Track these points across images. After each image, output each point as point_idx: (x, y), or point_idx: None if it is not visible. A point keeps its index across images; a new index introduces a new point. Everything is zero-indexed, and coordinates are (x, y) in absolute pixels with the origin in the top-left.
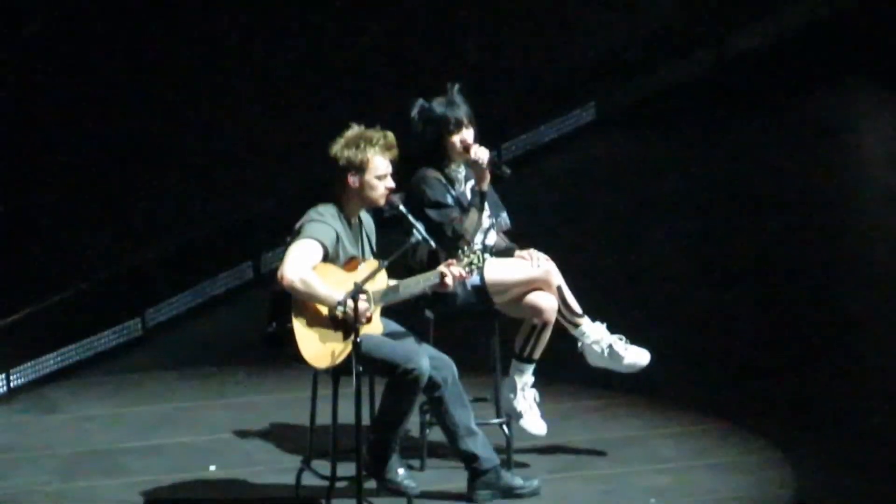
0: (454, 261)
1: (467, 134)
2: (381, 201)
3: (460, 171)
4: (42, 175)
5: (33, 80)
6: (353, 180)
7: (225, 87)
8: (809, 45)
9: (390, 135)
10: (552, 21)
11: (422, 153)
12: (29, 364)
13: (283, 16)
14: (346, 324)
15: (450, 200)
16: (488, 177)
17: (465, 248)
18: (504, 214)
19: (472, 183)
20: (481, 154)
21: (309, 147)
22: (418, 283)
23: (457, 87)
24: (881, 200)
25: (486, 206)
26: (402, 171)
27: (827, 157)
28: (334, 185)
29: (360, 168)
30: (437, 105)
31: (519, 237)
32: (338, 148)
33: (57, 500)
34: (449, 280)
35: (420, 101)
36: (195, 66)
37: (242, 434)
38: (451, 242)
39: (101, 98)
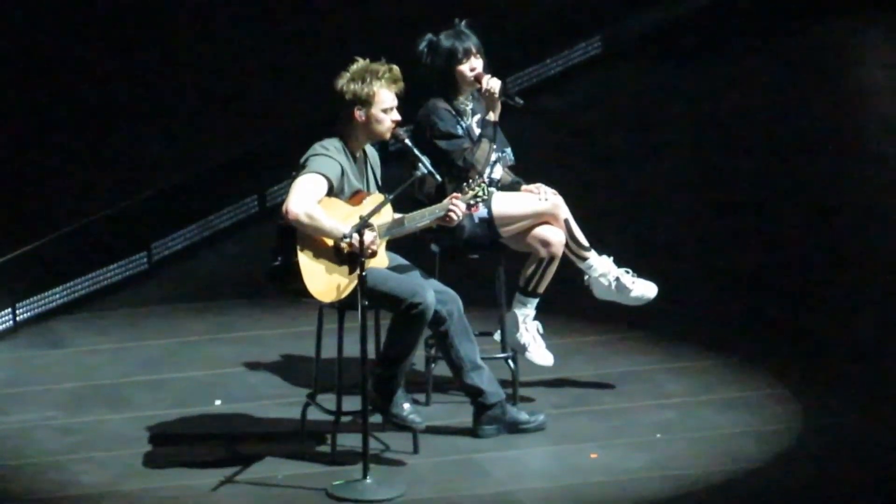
0: (459, 194)
1: (476, 63)
2: (387, 135)
3: (468, 104)
4: (48, 113)
5: (40, 22)
6: (359, 114)
7: (227, 20)
8: None
9: (396, 68)
10: None
11: (431, 85)
12: (34, 298)
13: None
14: (351, 257)
15: (460, 131)
16: (500, 107)
17: (472, 180)
18: (509, 150)
19: (478, 116)
20: (493, 84)
21: (314, 80)
22: (424, 217)
23: (464, 21)
24: (882, 133)
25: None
26: (410, 103)
27: (834, 89)
28: (339, 119)
29: (367, 102)
30: (445, 37)
31: (525, 171)
32: (343, 82)
33: (63, 434)
34: (455, 214)
35: (428, 35)
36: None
37: (248, 368)
38: (461, 173)
39: (104, 35)
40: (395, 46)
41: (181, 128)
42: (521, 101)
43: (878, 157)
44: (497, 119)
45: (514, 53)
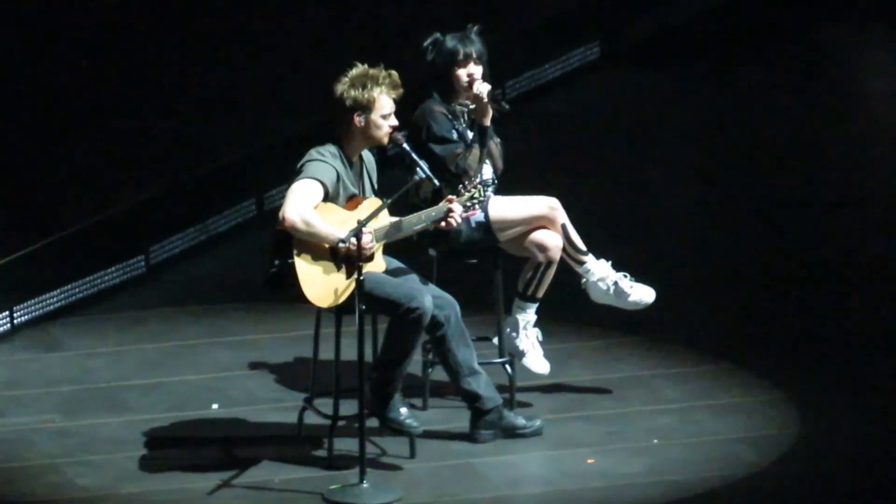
0: (455, 198)
1: (474, 69)
2: (385, 140)
3: (465, 107)
4: (44, 117)
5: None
6: (358, 120)
7: (229, 26)
8: None
9: (395, 73)
10: None
11: (430, 84)
12: (32, 301)
13: None
14: (348, 262)
15: (454, 136)
16: (490, 112)
17: (468, 183)
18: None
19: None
20: (481, 88)
21: (310, 86)
22: (421, 220)
23: (476, 27)
24: (878, 136)
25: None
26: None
27: (828, 93)
28: (337, 124)
29: (367, 107)
30: (451, 38)
31: (523, 173)
32: (344, 88)
33: (60, 437)
34: (451, 217)
35: (436, 34)
36: (201, 5)
37: (245, 372)
38: (453, 177)
39: (105, 39)
40: (392, 50)
41: (180, 132)
42: (508, 107)
43: (875, 160)
44: (487, 123)
45: (514, 58)
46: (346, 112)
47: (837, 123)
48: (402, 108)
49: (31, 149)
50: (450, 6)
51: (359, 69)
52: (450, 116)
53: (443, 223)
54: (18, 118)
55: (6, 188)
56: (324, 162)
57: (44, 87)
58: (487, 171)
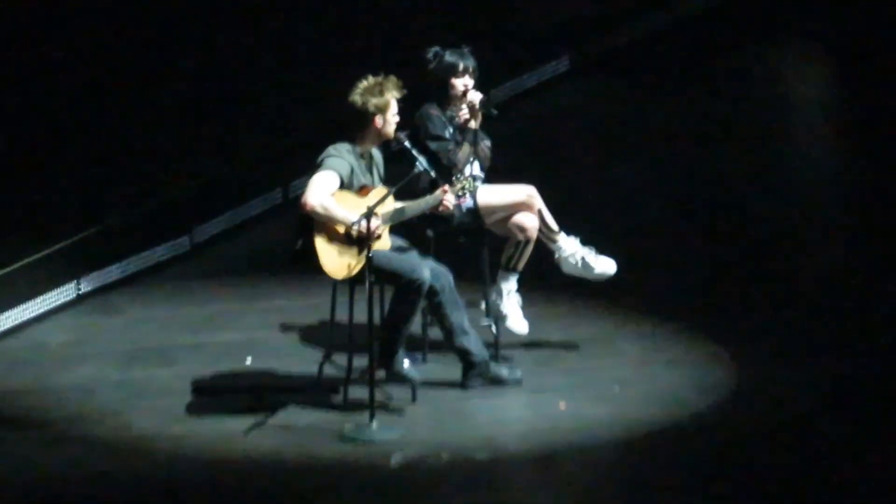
0: (448, 187)
1: (468, 81)
2: (392, 134)
3: (457, 111)
4: (109, 113)
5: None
6: (378, 121)
7: (259, 34)
8: (747, 6)
9: (394, 77)
10: None
11: (429, 89)
12: (95, 274)
13: None
14: (360, 240)
15: (447, 135)
16: (480, 117)
17: (458, 175)
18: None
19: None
20: (475, 97)
21: (327, 92)
22: (420, 206)
23: (469, 48)
24: (804, 133)
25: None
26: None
27: (761, 100)
28: (352, 126)
29: (384, 109)
30: (450, 53)
31: (505, 166)
32: (363, 97)
33: (118, 387)
34: (445, 204)
35: (437, 47)
36: (242, 8)
37: (273, 332)
38: (445, 171)
39: (150, 37)
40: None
41: (218, 132)
42: (496, 112)
43: (801, 155)
44: (477, 126)
45: (496, 69)
46: (367, 116)
47: (769, 123)
48: (403, 111)
49: (96, 144)
50: (441, 26)
51: (369, 80)
52: (444, 118)
53: (439, 208)
54: (78, 115)
55: (72, 180)
56: (339, 157)
57: (100, 90)
58: (477, 167)
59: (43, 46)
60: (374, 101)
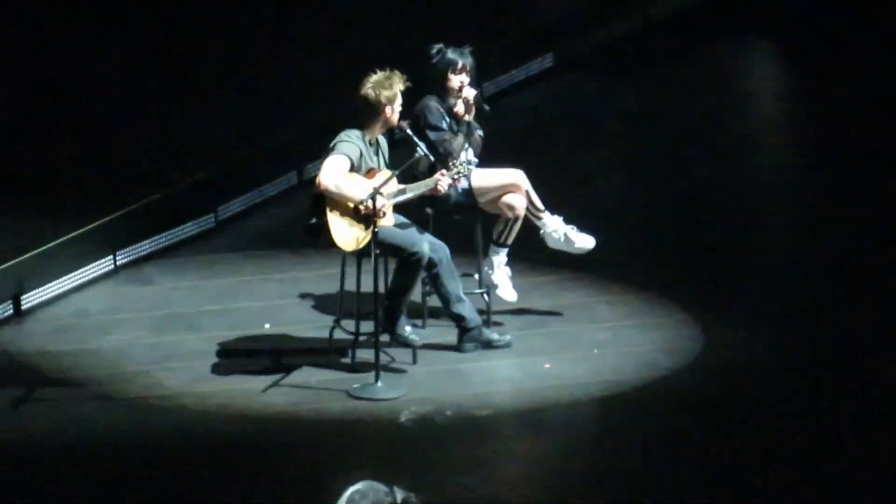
0: (445, 171)
1: (465, 78)
2: (397, 122)
3: (454, 104)
4: (143, 100)
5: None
6: (388, 111)
7: (280, 30)
8: (714, 8)
9: (398, 71)
10: None
11: (430, 81)
12: (130, 248)
13: None
14: (366, 217)
15: (444, 125)
16: (473, 111)
17: (454, 161)
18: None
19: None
20: (469, 92)
21: (335, 85)
22: (420, 187)
23: (470, 48)
24: (766, 126)
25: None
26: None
27: (725, 93)
28: (362, 115)
29: (392, 101)
30: (452, 51)
31: (495, 153)
32: (375, 90)
33: (151, 349)
34: (441, 185)
35: (441, 44)
36: (263, 7)
37: (289, 300)
38: (441, 157)
39: (171, 42)
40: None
41: (239, 119)
42: (488, 108)
43: (759, 142)
44: (471, 119)
45: (487, 65)
46: (378, 107)
47: (733, 114)
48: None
49: (129, 131)
50: (443, 25)
51: (377, 75)
52: (442, 110)
53: (438, 189)
54: (116, 107)
55: (109, 164)
56: (350, 142)
57: (134, 82)
58: (471, 154)
59: (70, 28)
60: (385, 94)
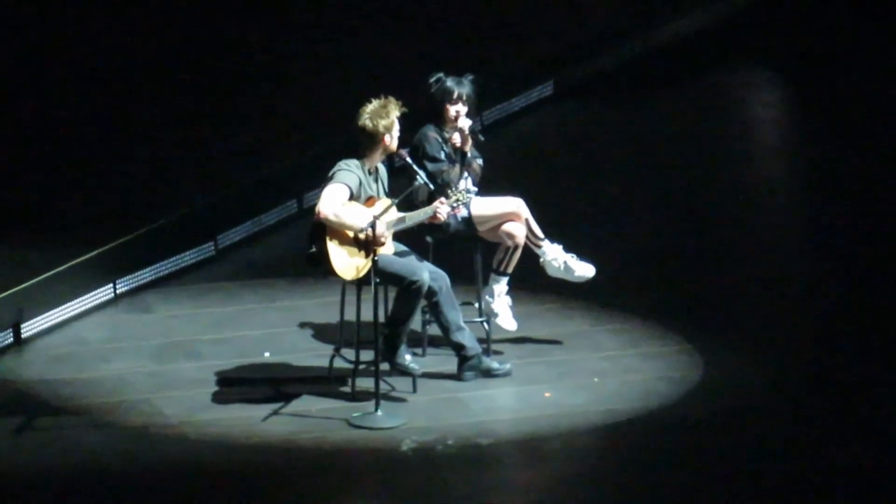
0: (444, 199)
1: (462, 108)
2: (396, 148)
3: (451, 134)
4: (143, 128)
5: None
6: (387, 139)
7: (275, 63)
8: (712, 37)
9: (392, 98)
10: (520, 21)
11: (428, 111)
12: (129, 276)
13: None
14: (366, 245)
15: (442, 156)
16: (469, 141)
17: (454, 189)
18: (480, 160)
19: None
20: (464, 123)
21: (334, 115)
22: (419, 216)
23: (471, 77)
24: (761, 151)
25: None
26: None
27: (724, 120)
28: (361, 145)
29: (390, 129)
30: (450, 80)
31: (495, 180)
32: (373, 120)
33: (150, 377)
34: (441, 213)
35: (441, 73)
36: (267, 24)
37: (289, 329)
38: (439, 187)
39: (187, 54)
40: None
41: (237, 150)
42: (483, 138)
43: (756, 166)
44: (467, 149)
45: (491, 93)
46: (377, 136)
47: (731, 140)
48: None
49: (131, 157)
50: (447, 55)
51: (373, 104)
52: (440, 140)
53: (437, 217)
54: (121, 133)
55: (108, 192)
56: (349, 171)
57: (135, 110)
58: (470, 182)
59: (72, 59)
60: (383, 123)
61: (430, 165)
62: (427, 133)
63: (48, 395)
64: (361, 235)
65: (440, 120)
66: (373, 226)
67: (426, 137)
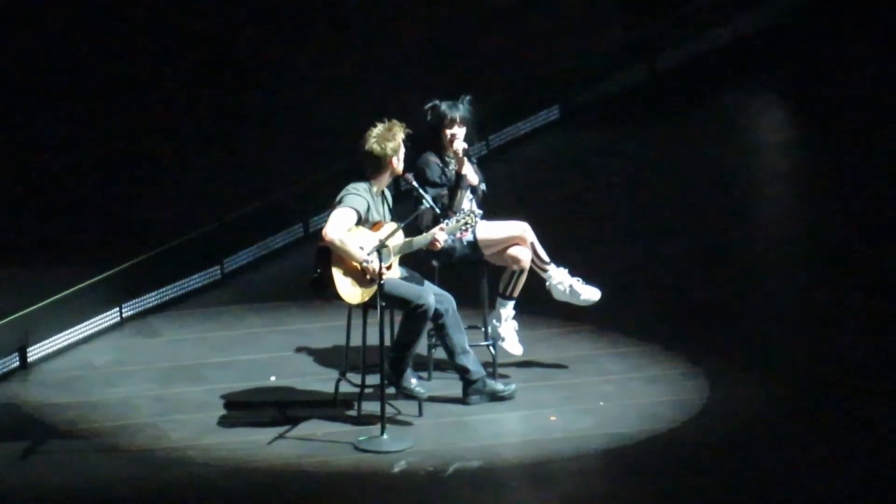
0: (445, 226)
1: (458, 131)
2: (401, 171)
3: (449, 159)
4: (145, 159)
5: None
6: (394, 161)
7: (279, 96)
8: (717, 62)
9: (396, 120)
10: (527, 44)
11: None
12: (136, 300)
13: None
14: (370, 275)
15: (443, 180)
16: (465, 164)
17: (459, 213)
18: (483, 185)
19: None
20: (458, 146)
21: (341, 138)
22: (424, 239)
23: (468, 98)
24: (772, 177)
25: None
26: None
27: (729, 144)
28: (369, 169)
29: (397, 151)
30: (445, 105)
31: (500, 204)
32: (380, 144)
33: (156, 401)
34: (439, 239)
35: (436, 100)
36: (270, 63)
37: (295, 353)
38: (442, 211)
39: (194, 80)
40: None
41: (245, 174)
42: (475, 161)
43: (766, 190)
44: (465, 173)
45: (497, 117)
46: (384, 160)
47: (738, 164)
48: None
49: (136, 182)
50: (452, 80)
51: (378, 128)
52: (440, 164)
53: (435, 244)
54: (125, 161)
55: (116, 213)
56: (357, 195)
57: (144, 136)
58: (474, 205)
59: (78, 82)
60: (390, 146)
61: (431, 191)
62: (428, 158)
63: (54, 419)
64: (363, 266)
65: (438, 145)
66: (378, 250)
67: (427, 162)
